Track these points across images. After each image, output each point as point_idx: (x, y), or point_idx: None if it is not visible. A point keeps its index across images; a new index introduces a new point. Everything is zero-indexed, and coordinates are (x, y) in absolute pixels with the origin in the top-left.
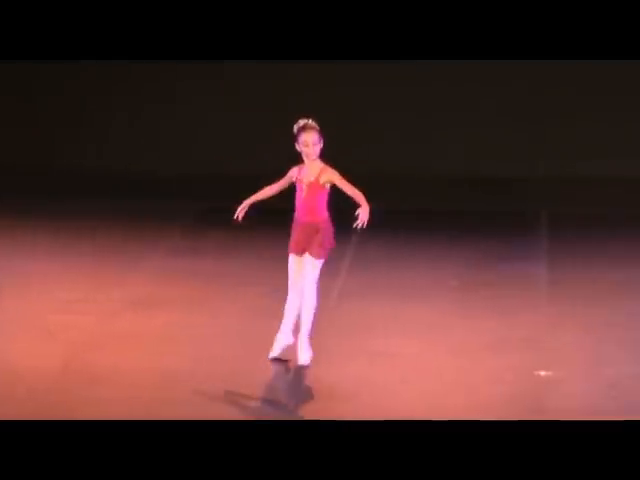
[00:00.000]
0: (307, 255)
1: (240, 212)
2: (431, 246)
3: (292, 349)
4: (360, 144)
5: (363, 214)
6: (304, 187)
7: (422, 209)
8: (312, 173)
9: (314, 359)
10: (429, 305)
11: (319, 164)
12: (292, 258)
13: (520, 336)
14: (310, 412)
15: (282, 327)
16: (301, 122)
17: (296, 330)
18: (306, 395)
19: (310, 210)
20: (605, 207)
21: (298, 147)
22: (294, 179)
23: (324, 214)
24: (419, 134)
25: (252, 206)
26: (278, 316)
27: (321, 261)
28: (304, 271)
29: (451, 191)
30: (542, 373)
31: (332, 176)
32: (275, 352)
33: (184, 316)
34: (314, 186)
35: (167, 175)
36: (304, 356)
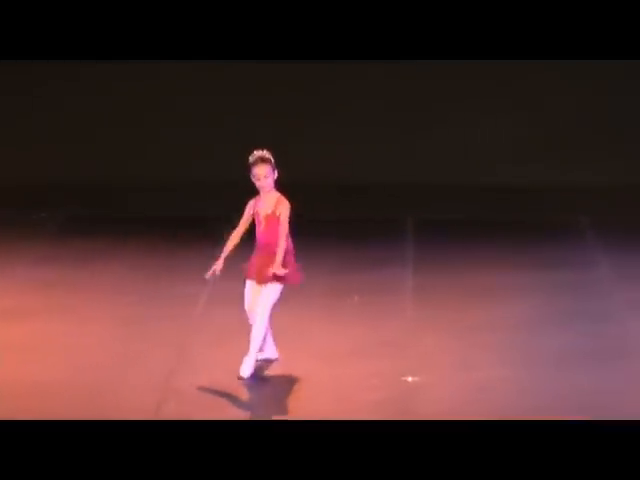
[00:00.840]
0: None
1: (217, 268)
2: (299, 253)
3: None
4: None
5: (275, 267)
6: (261, 220)
7: (293, 216)
8: (268, 205)
9: (178, 365)
10: (296, 312)
11: (275, 195)
12: (249, 283)
13: (387, 342)
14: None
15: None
16: (255, 154)
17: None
18: (173, 400)
19: (268, 242)
20: (469, 213)
21: (252, 180)
22: (252, 212)
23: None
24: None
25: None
26: (146, 324)
27: (279, 286)
28: (260, 296)
29: (321, 198)
30: (409, 378)
31: (284, 210)
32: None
33: (51, 325)
34: (271, 218)
35: (34, 183)
36: (247, 370)
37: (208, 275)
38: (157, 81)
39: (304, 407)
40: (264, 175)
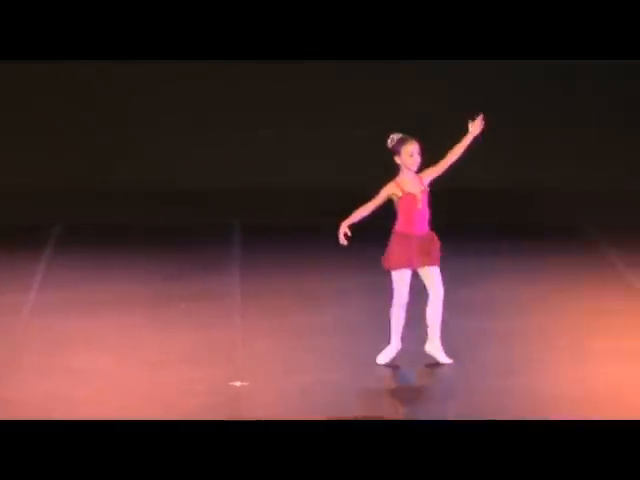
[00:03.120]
0: (433, 267)
1: (341, 236)
2: (127, 261)
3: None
4: None
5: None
6: (419, 197)
7: (117, 224)
8: (418, 182)
9: (7, 373)
10: (124, 319)
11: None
12: (407, 273)
13: (214, 348)
14: None
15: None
16: (397, 135)
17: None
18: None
19: (426, 220)
20: (295, 218)
21: (400, 159)
22: (398, 195)
23: None
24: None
25: (350, 226)
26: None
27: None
28: (436, 281)
29: (146, 204)
30: (237, 383)
31: (431, 172)
32: (385, 359)
33: None
34: (426, 194)
35: None
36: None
37: (342, 241)
38: None
39: (134, 414)
40: (417, 152)
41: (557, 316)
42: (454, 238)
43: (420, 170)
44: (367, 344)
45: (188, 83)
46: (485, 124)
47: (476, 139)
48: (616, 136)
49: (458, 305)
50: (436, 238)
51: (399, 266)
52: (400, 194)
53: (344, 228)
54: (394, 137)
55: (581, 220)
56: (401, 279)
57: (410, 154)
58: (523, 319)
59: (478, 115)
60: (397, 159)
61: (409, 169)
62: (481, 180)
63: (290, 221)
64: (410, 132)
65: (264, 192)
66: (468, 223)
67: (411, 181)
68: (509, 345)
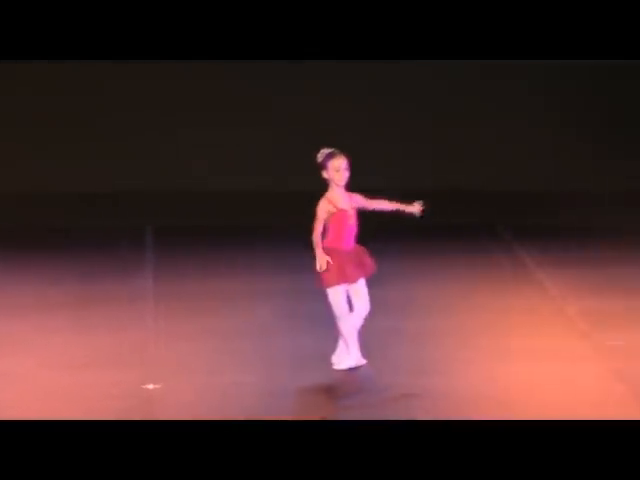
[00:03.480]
0: (363, 280)
1: (325, 263)
2: (40, 263)
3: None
4: None
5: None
6: (350, 213)
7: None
8: (347, 198)
9: None
10: (39, 322)
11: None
12: (342, 288)
13: (129, 351)
14: None
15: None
16: (328, 149)
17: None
18: None
19: (354, 235)
20: (209, 219)
21: (327, 174)
22: (332, 211)
23: None
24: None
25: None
26: None
27: None
28: (365, 293)
29: (65, 207)
30: (150, 386)
31: (360, 201)
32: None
33: None
34: (355, 210)
35: None
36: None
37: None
38: None
39: (45, 416)
40: (344, 167)
41: (471, 315)
42: (373, 239)
43: (351, 189)
44: (283, 346)
45: (91, 84)
46: (423, 207)
47: (402, 212)
48: (537, 137)
49: (373, 305)
50: (366, 249)
51: (336, 282)
52: (334, 210)
53: (325, 257)
54: (324, 152)
55: (495, 220)
56: (338, 294)
57: (337, 169)
58: (437, 318)
59: (423, 204)
60: (325, 174)
61: (337, 185)
62: (403, 181)
63: (204, 223)
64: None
65: (177, 194)
66: (389, 225)
67: (341, 197)
68: (422, 344)
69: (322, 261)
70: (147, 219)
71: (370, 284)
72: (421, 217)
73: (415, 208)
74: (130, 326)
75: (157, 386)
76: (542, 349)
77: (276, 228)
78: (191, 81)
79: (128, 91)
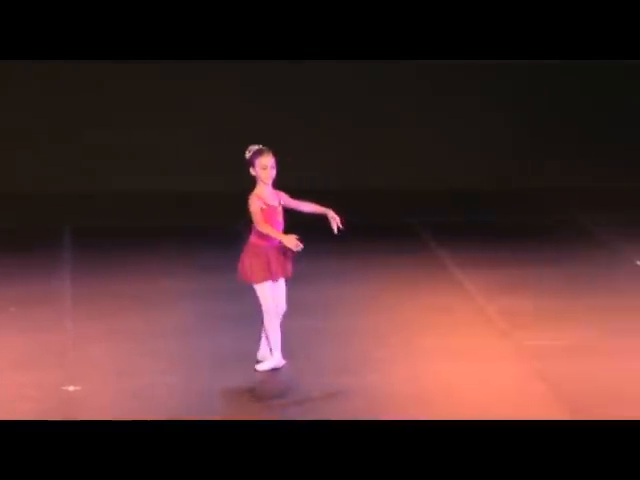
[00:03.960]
0: (283, 280)
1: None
2: None
3: None
4: None
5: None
6: (279, 210)
7: None
8: (275, 195)
9: None
10: None
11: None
12: (269, 284)
13: (46, 352)
14: None
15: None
16: (257, 146)
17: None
18: None
19: (281, 232)
20: (125, 221)
21: (254, 171)
22: (262, 207)
23: None
24: None
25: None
26: None
27: None
28: (283, 294)
29: None
30: (70, 388)
31: (288, 200)
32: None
33: None
34: (281, 207)
35: None
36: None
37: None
38: None
39: None
40: (271, 165)
41: (389, 314)
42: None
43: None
44: (202, 347)
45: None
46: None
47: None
48: (458, 136)
49: (291, 305)
50: (289, 250)
51: (263, 279)
52: (264, 207)
53: (293, 237)
54: (251, 148)
55: (414, 220)
56: (265, 290)
57: (264, 167)
58: (356, 318)
59: (338, 220)
60: (252, 171)
61: (264, 182)
62: (317, 182)
63: (123, 224)
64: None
65: (97, 195)
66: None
67: (269, 194)
68: (342, 344)
69: (292, 241)
70: (66, 220)
71: (287, 284)
72: (338, 232)
73: (334, 220)
74: (48, 328)
75: (77, 387)
76: (461, 348)
77: (186, 229)
78: (101, 81)
79: (29, 91)
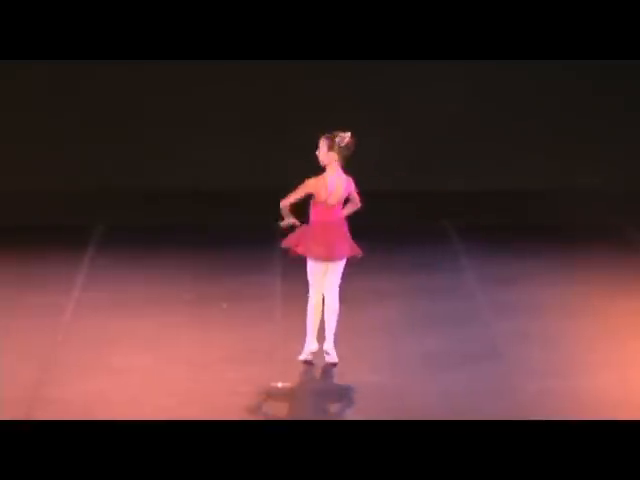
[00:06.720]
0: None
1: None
2: (161, 261)
3: None
4: None
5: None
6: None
7: (152, 226)
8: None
9: (50, 373)
10: (164, 319)
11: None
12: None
13: (256, 348)
14: None
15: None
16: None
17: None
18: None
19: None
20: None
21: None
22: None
23: None
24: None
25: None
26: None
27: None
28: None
29: None
30: (279, 384)
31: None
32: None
33: None
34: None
35: None
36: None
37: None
38: None
39: (175, 414)
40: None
41: (599, 318)
42: None
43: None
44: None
45: None
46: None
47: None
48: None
49: (497, 307)
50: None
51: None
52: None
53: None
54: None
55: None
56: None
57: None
58: (565, 321)
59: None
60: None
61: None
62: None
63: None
64: None
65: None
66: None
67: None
68: (551, 347)
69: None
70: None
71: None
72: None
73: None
74: (257, 324)
75: (285, 384)
76: None
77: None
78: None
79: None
